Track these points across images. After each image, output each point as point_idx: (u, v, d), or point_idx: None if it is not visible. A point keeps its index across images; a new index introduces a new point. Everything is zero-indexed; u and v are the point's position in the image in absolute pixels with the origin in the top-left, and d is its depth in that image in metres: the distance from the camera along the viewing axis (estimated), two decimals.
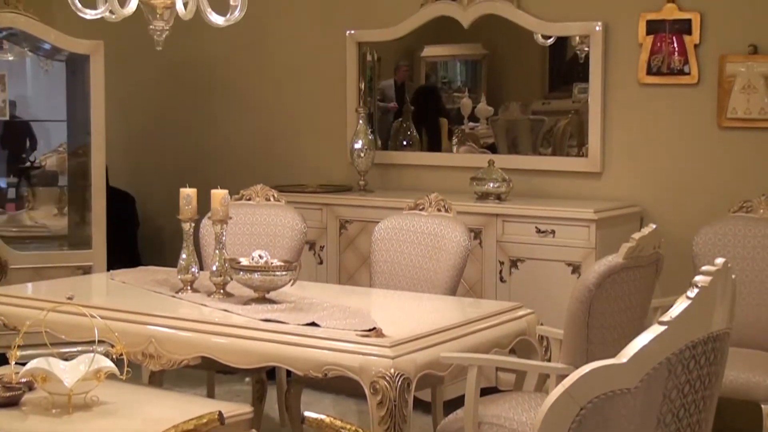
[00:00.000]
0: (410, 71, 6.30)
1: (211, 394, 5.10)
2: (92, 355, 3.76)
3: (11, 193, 6.70)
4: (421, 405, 4.44)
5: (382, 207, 5.50)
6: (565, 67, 5.78)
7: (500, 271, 5.29)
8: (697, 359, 2.17)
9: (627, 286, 3.68)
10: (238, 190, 5.27)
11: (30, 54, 6.51)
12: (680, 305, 2.10)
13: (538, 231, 5.20)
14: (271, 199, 5.31)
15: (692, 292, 2.12)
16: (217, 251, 4.39)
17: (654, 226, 3.76)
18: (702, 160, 5.30)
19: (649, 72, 5.39)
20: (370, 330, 3.73)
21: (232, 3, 4.18)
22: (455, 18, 5.90)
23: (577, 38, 5.63)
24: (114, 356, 3.81)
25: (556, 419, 2.00)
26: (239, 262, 4.35)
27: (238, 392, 5.41)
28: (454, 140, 6.10)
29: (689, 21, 5.27)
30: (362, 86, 6.29)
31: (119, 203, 6.72)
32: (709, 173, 5.28)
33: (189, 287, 4.46)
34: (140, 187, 6.96)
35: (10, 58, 6.49)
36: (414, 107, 6.32)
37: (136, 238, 6.93)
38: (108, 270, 5.65)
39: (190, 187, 4.48)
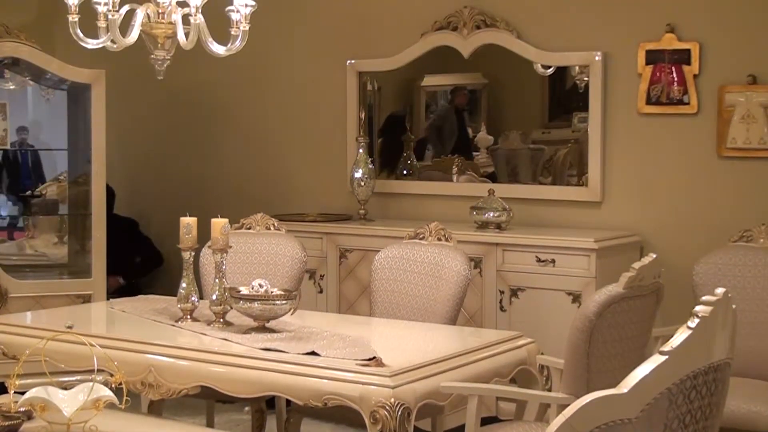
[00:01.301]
0: (466, 98, 6.21)
1: (210, 424, 5.08)
2: (91, 384, 3.75)
3: (11, 221, 6.70)
4: None
5: (382, 236, 5.51)
6: (565, 96, 5.80)
7: (500, 301, 5.29)
8: (698, 389, 2.17)
9: (627, 315, 3.68)
10: (238, 219, 5.26)
11: (31, 83, 6.54)
12: (681, 335, 2.09)
13: (539, 260, 5.20)
14: (272, 227, 5.31)
15: (693, 322, 2.12)
16: (217, 280, 4.39)
17: (654, 256, 3.76)
18: (702, 189, 5.31)
19: (649, 102, 5.41)
20: (370, 359, 3.72)
21: (233, 33, 4.20)
22: (455, 48, 5.92)
23: (577, 68, 5.65)
24: (113, 385, 3.80)
25: None
26: (239, 291, 4.35)
27: (238, 422, 5.40)
28: (455, 169, 6.10)
29: (688, 51, 5.29)
30: (362, 116, 6.30)
31: (123, 230, 6.74)
32: (709, 203, 5.28)
33: (189, 316, 4.46)
34: (142, 214, 6.97)
35: (12, 87, 6.51)
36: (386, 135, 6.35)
37: (156, 259, 6.94)
38: (109, 298, 5.66)
39: (190, 215, 4.48)
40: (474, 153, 6.09)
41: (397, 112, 6.46)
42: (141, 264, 6.80)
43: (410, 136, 6.37)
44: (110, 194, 6.68)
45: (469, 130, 6.14)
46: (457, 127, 6.14)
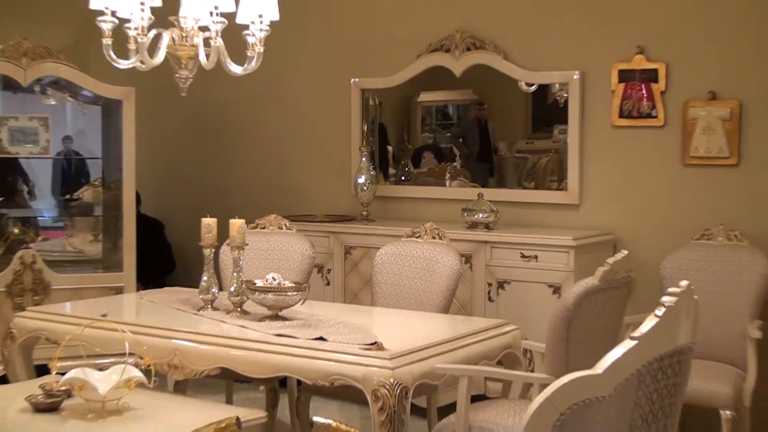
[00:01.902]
0: (485, 111, 6.11)
1: (229, 401, 5.09)
2: (123, 366, 3.75)
3: (53, 222, 6.71)
4: (417, 411, 4.42)
5: (382, 235, 5.51)
6: (546, 111, 5.80)
7: (489, 292, 5.29)
8: (664, 370, 2.17)
9: (602, 305, 3.68)
10: (253, 219, 5.27)
11: (70, 99, 6.54)
12: (649, 322, 2.10)
13: (523, 256, 5.20)
14: (284, 227, 5.32)
15: (660, 311, 2.12)
16: (234, 274, 4.39)
17: (626, 252, 3.77)
18: (668, 193, 5.31)
19: (621, 115, 5.41)
20: (371, 344, 3.72)
21: (249, 54, 4.20)
22: (448, 67, 5.92)
23: (557, 85, 5.65)
24: (143, 367, 3.80)
25: (539, 424, 2.00)
26: (255, 284, 4.35)
27: (254, 399, 5.40)
28: (447, 175, 6.10)
29: (656, 71, 5.29)
30: (365, 128, 6.31)
31: (150, 230, 6.74)
32: (675, 205, 5.28)
33: (210, 306, 4.46)
34: (168, 216, 6.97)
35: (53, 103, 6.51)
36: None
37: (169, 260, 6.94)
38: (139, 290, 5.67)
39: (210, 216, 4.48)
40: (463, 161, 6.10)
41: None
42: (158, 271, 6.78)
43: (408, 146, 6.37)
44: (137, 198, 6.69)
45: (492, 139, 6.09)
46: (479, 136, 6.10)
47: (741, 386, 4.58)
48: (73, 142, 6.68)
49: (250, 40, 4.19)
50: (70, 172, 6.78)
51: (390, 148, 6.38)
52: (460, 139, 6.14)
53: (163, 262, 6.88)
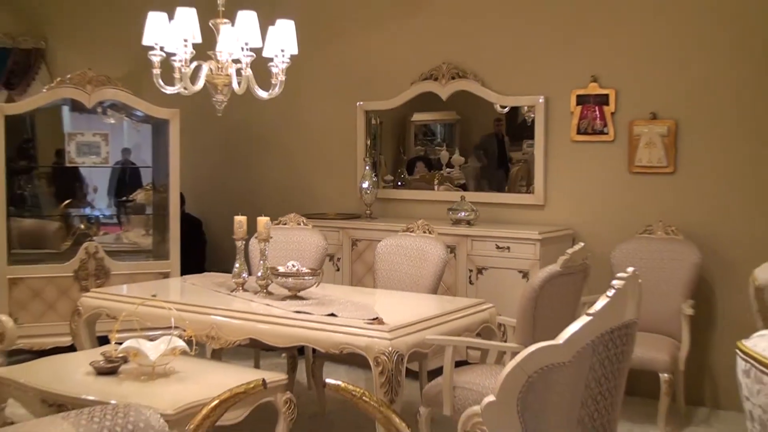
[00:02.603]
0: (503, 126, 5.86)
1: (257, 366, 5.09)
2: (170, 337, 3.76)
3: (113, 219, 6.72)
4: (411, 374, 4.42)
5: (382, 230, 5.50)
6: (517, 128, 5.79)
7: (470, 277, 5.29)
8: (614, 341, 2.17)
9: (563, 287, 3.69)
10: (276, 217, 5.27)
11: (126, 119, 6.53)
12: (601, 301, 2.10)
13: (498, 247, 5.20)
14: (301, 224, 5.32)
15: (610, 292, 2.12)
16: (261, 261, 4.40)
17: (582, 244, 3.77)
18: (617, 196, 5.31)
19: (579, 132, 5.41)
20: (373, 319, 3.73)
21: (273, 82, 4.21)
22: (436, 93, 5.92)
23: (526, 107, 5.65)
24: (185, 338, 3.80)
25: (511, 384, 2.00)
26: (277, 270, 4.35)
27: (277, 364, 5.41)
28: (436, 181, 6.10)
29: (607, 95, 5.29)
30: (368, 142, 6.30)
31: (192, 226, 6.74)
32: (622, 206, 5.29)
33: (241, 288, 4.47)
34: (206, 214, 6.97)
35: (112, 122, 6.50)
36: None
37: (204, 252, 6.93)
38: (182, 275, 5.67)
39: (241, 214, 4.49)
40: (449, 169, 6.08)
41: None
42: (197, 260, 6.76)
43: (403, 157, 6.36)
44: (181, 199, 6.69)
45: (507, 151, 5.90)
46: (497, 148, 5.99)
47: (676, 354, 4.59)
48: (129, 153, 6.69)
49: (274, 70, 4.20)
50: (126, 179, 6.78)
51: (403, 158, 6.34)
52: (482, 151, 6.09)
53: (200, 252, 6.87)
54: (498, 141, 5.93)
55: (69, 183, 6.63)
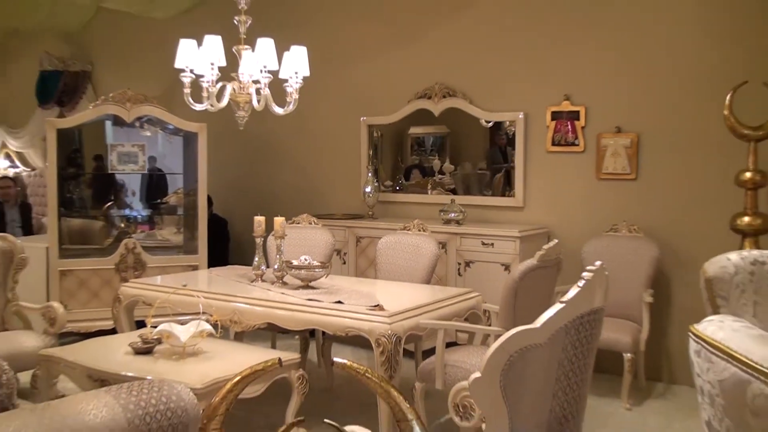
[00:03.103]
0: (505, 139, 5.72)
1: (273, 347, 5.09)
2: (198, 321, 3.76)
3: (148, 219, 6.73)
4: (407, 353, 4.43)
5: (383, 228, 5.50)
6: (500, 140, 5.79)
7: (458, 269, 5.29)
8: (584, 325, 2.17)
9: (539, 278, 3.69)
10: (291, 217, 5.27)
11: (160, 132, 6.53)
12: (573, 291, 2.10)
13: (483, 244, 5.20)
14: (312, 223, 5.32)
15: (581, 282, 2.12)
16: (278, 256, 4.40)
17: (556, 241, 3.77)
18: (586, 199, 5.31)
19: (553, 144, 5.41)
20: (375, 306, 3.73)
21: (288, 100, 4.21)
22: (429, 109, 5.92)
23: (508, 122, 5.64)
24: (211, 322, 3.80)
25: (495, 362, 2.00)
26: (292, 263, 4.35)
27: (291, 345, 5.41)
28: (429, 186, 6.10)
29: (578, 111, 5.29)
30: (370, 152, 6.30)
31: (218, 225, 6.74)
32: (591, 208, 5.29)
33: (260, 278, 4.47)
34: (230, 215, 6.97)
35: (148, 134, 6.51)
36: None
37: (228, 247, 6.93)
38: (209, 268, 5.67)
39: (260, 215, 4.50)
40: (440, 176, 6.08)
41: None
42: (219, 259, 6.76)
43: (401, 165, 6.36)
44: (210, 201, 6.70)
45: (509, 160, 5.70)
46: (501, 158, 5.90)
47: (637, 336, 4.59)
48: (162, 161, 6.69)
49: (289, 89, 4.20)
50: (160, 184, 6.79)
51: (401, 165, 6.31)
52: (487, 160, 6.06)
53: (225, 248, 6.87)
54: (501, 152, 5.92)
55: (110, 187, 6.64)
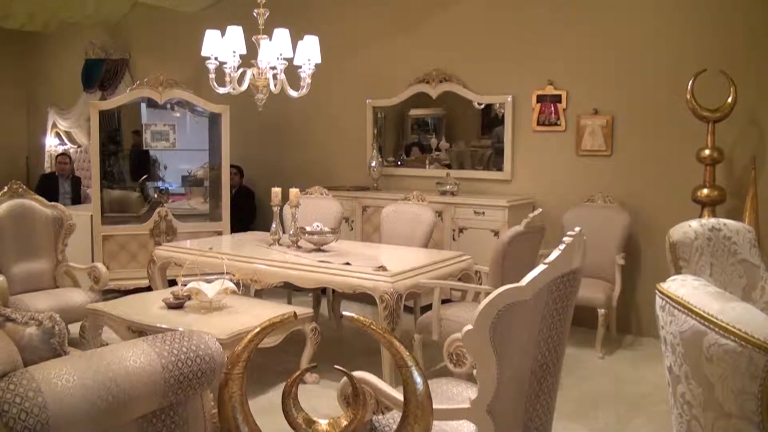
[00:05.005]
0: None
1: (289, 303, 5.13)
2: (223, 280, 3.78)
3: (179, 190, 6.73)
4: (407, 309, 4.45)
5: (386, 198, 5.49)
6: (491, 120, 5.75)
7: (453, 235, 5.29)
8: (564, 283, 2.17)
9: (525, 243, 3.69)
10: (304, 188, 5.26)
11: (189, 113, 6.51)
12: (555, 253, 2.09)
13: (475, 213, 5.20)
14: (323, 194, 5.31)
15: (562, 246, 2.12)
16: (293, 223, 4.40)
17: (540, 210, 3.77)
18: (567, 173, 5.29)
19: (539, 124, 5.37)
20: (379, 267, 3.74)
21: (301, 84, 4.18)
22: (428, 92, 5.87)
23: (498, 104, 5.60)
24: (234, 281, 3.82)
25: (485, 317, 2.00)
26: (305, 229, 4.36)
27: (305, 301, 5.43)
28: (427, 161, 6.07)
29: (560, 95, 5.24)
30: (375, 131, 6.26)
31: (247, 196, 6.73)
32: (571, 181, 5.26)
33: (277, 243, 4.48)
34: (255, 187, 6.96)
35: (177, 115, 6.49)
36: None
37: (255, 215, 6.91)
38: (232, 233, 5.68)
39: (277, 186, 4.49)
40: (437, 152, 6.05)
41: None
42: (246, 222, 6.74)
43: (402, 142, 6.33)
44: (241, 173, 6.70)
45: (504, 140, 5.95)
46: (497, 139, 5.82)
47: (610, 294, 4.60)
48: (190, 139, 6.67)
49: (302, 75, 4.17)
50: (188, 159, 6.78)
51: (402, 143, 6.27)
52: (496, 138, 5.97)
53: (251, 216, 6.87)
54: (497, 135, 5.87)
55: (145, 162, 6.63)
